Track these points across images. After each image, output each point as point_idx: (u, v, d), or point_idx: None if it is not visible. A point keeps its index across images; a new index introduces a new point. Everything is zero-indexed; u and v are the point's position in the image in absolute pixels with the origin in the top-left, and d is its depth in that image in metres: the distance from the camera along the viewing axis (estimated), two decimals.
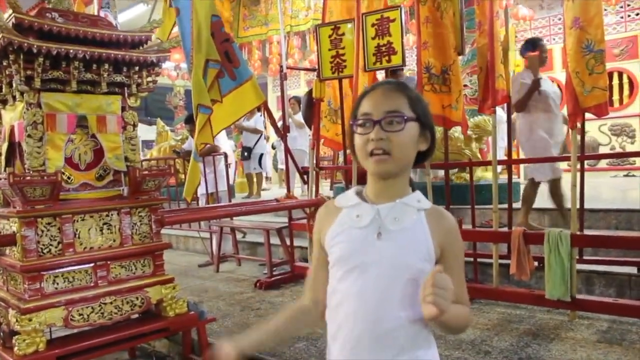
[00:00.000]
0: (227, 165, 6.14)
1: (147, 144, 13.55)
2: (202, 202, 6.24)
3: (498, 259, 3.69)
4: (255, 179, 8.73)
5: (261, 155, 8.56)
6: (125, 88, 2.97)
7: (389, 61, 4.13)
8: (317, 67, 4.62)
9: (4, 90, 2.80)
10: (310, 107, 5.40)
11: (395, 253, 1.21)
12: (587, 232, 3.55)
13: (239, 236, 6.15)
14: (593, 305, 3.25)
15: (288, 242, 5.08)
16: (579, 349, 2.87)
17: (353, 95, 4.45)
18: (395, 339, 1.18)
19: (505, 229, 3.71)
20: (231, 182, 9.49)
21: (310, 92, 5.19)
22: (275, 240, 5.13)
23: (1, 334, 2.71)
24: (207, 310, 4.06)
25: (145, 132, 13.82)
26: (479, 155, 5.43)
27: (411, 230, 1.23)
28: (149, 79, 3.06)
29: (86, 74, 2.77)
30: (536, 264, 3.57)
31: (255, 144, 8.38)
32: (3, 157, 2.93)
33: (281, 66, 4.85)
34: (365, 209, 1.26)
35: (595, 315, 3.32)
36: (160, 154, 8.82)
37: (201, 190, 6.01)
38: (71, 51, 2.64)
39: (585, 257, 3.59)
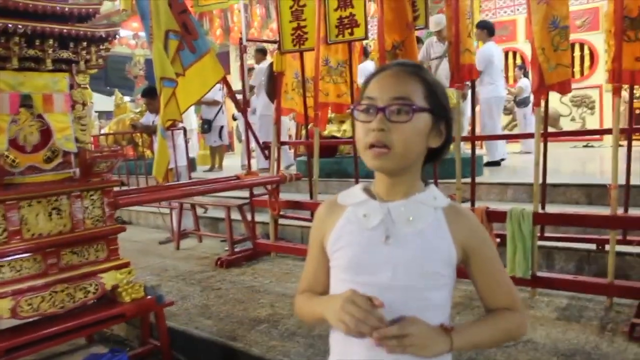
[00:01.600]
0: (186, 140, 5.97)
1: (108, 115, 13.15)
2: None
3: None
4: (216, 152, 8.57)
5: (221, 127, 8.40)
6: (73, 65, 2.80)
7: (351, 34, 4.03)
8: (277, 39, 4.47)
9: None
10: (272, 81, 5.26)
11: (411, 259, 1.08)
12: (548, 207, 3.57)
13: (200, 212, 6.03)
14: (553, 283, 3.29)
15: (250, 218, 5.00)
16: (538, 328, 2.91)
17: (315, 70, 4.34)
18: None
19: (468, 205, 3.71)
20: (193, 155, 9.35)
21: (271, 66, 5.05)
22: (236, 216, 5.04)
23: None
24: (167, 291, 3.99)
25: (104, 103, 13.41)
26: None
27: (429, 232, 1.09)
28: (99, 54, 2.88)
29: (29, 50, 2.59)
30: (498, 240, 3.58)
31: (215, 116, 8.21)
32: None
33: (241, 38, 4.68)
34: (374, 207, 1.12)
35: (555, 292, 3.37)
36: (118, 128, 8.55)
37: None
38: (10, 25, 2.45)
39: (546, 235, 3.62)
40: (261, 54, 8.13)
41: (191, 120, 9.50)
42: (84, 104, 2.86)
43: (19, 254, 2.58)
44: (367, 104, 1.09)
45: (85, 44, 2.76)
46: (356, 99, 1.17)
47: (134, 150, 8.16)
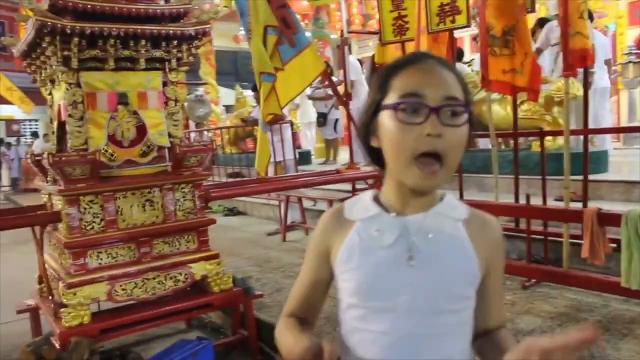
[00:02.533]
0: (293, 134, 6.06)
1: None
2: (270, 171, 6.24)
3: (569, 238, 3.33)
4: (331, 145, 8.63)
5: (336, 120, 8.41)
6: (166, 63, 2.93)
7: (453, 21, 3.79)
8: (379, 30, 4.35)
9: (48, 70, 2.85)
10: (375, 74, 5.15)
11: (434, 283, 0.94)
12: None
13: (309, 204, 6.11)
14: None
15: None
16: None
17: None
18: None
19: (579, 206, 3.33)
20: (310, 147, 9.52)
21: (373, 58, 4.94)
22: None
23: (53, 305, 2.83)
24: (264, 283, 4.08)
25: (232, 97, 14.07)
26: (560, 121, 4.94)
27: (452, 249, 0.96)
28: (190, 52, 2.99)
29: (124, 51, 2.76)
30: (613, 246, 3.18)
31: (330, 109, 8.24)
32: (55, 135, 3.02)
33: (342, 31, 4.62)
34: (389, 223, 0.96)
35: None
36: (238, 121, 8.93)
37: None
38: (105, 29, 2.63)
39: None
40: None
41: (310, 114, 9.68)
42: (176, 101, 3.00)
43: (115, 242, 2.77)
44: (414, 101, 0.90)
45: (176, 42, 2.88)
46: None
47: (254, 143, 8.49)
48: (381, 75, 0.98)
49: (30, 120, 18.67)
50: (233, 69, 19.03)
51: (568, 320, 2.98)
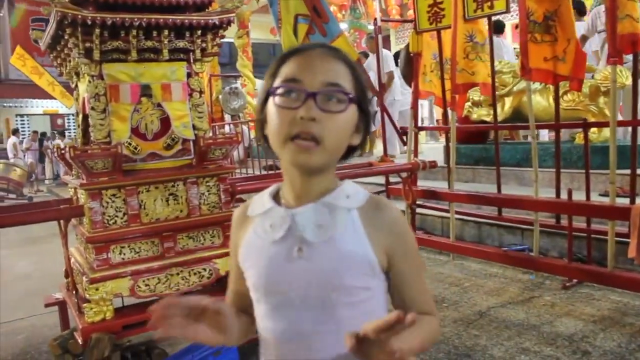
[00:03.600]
0: None
1: None
2: None
3: (614, 236, 3.13)
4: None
5: (375, 112, 8.26)
6: (190, 54, 2.87)
7: (491, 7, 3.62)
8: (414, 18, 4.19)
9: (72, 62, 2.83)
10: (409, 63, 4.98)
11: (324, 274, 0.92)
12: None
13: None
14: None
15: None
16: None
17: (452, 49, 3.98)
18: None
19: (626, 202, 3.12)
20: None
21: (407, 47, 4.78)
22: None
23: (77, 299, 2.82)
24: None
25: None
26: (606, 112, 4.67)
27: (342, 239, 0.93)
28: (214, 42, 2.92)
29: (146, 42, 2.70)
30: None
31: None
32: (80, 128, 3.00)
33: (375, 19, 4.48)
34: (280, 216, 0.97)
35: None
36: None
37: None
38: (127, 20, 2.57)
39: None
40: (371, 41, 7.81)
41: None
42: (200, 92, 2.93)
43: (138, 236, 2.73)
44: (291, 86, 0.92)
45: (199, 32, 2.81)
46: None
47: None
48: (273, 63, 1.00)
49: (74, 115, 19.15)
50: (270, 61, 19.01)
51: (612, 324, 2.80)
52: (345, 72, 0.95)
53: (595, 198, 3.92)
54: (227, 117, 9.22)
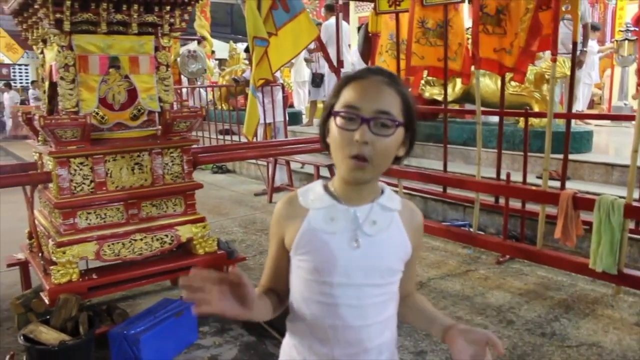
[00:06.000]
0: (285, 96, 6.08)
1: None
2: (259, 132, 6.28)
3: (545, 218, 3.45)
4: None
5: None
6: (158, 28, 2.94)
7: None
8: None
9: (40, 30, 2.85)
10: (367, 42, 5.14)
11: (377, 259, 1.15)
12: None
13: (297, 166, 6.18)
14: None
15: None
16: (611, 331, 2.69)
17: (409, 32, 4.17)
18: (373, 344, 1.17)
19: (558, 186, 3.44)
20: (301, 107, 9.51)
21: (366, 26, 4.93)
22: (327, 174, 5.09)
23: (42, 261, 2.93)
24: (248, 244, 4.20)
25: (227, 51, 13.89)
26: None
27: (389, 233, 1.17)
28: (182, 18, 3.00)
29: (116, 15, 2.76)
30: (587, 227, 3.31)
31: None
32: (46, 95, 3.04)
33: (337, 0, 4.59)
34: (341, 212, 1.15)
35: None
36: (230, 79, 8.88)
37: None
38: None
39: None
40: (329, 10, 7.89)
41: (303, 73, 9.62)
42: (167, 66, 3.02)
43: (104, 203, 2.85)
44: (350, 112, 1.08)
45: (168, 8, 2.89)
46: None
47: (245, 100, 8.46)
48: (338, 84, 1.16)
49: (20, 65, 18.29)
50: (228, 20, 18.74)
51: (536, 297, 3.14)
52: (396, 99, 1.11)
53: (532, 180, 4.25)
54: (184, 80, 9.14)
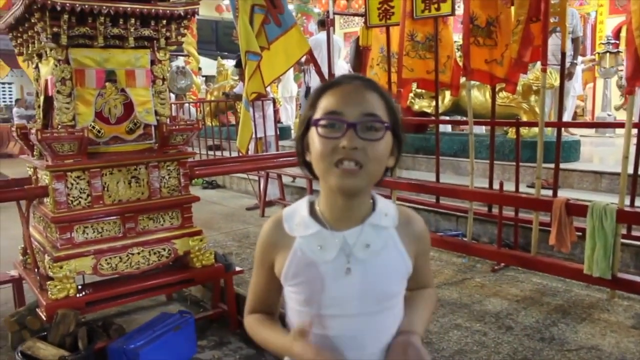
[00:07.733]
0: (275, 110, 6.11)
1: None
2: (251, 147, 6.28)
3: (539, 226, 3.50)
4: None
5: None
6: (154, 42, 2.96)
7: (437, 9, 3.86)
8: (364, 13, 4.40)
9: (36, 45, 2.85)
10: (358, 56, 5.20)
11: (371, 284, 1.06)
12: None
13: (288, 180, 6.19)
14: (636, 286, 3.04)
15: None
16: (608, 334, 2.72)
17: (400, 45, 4.23)
18: None
19: (550, 194, 3.49)
20: (289, 123, 9.54)
21: (357, 40, 4.99)
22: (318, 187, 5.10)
23: (38, 277, 2.89)
24: (243, 258, 4.18)
25: (214, 68, 13.92)
26: (537, 110, 5.08)
27: (385, 254, 1.08)
28: (178, 32, 3.02)
29: (113, 29, 2.77)
30: (580, 234, 3.35)
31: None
32: (41, 109, 3.03)
33: (327, 12, 4.65)
34: (329, 238, 1.06)
35: (637, 296, 3.12)
36: (219, 94, 8.90)
37: None
38: (95, 7, 2.64)
39: (633, 234, 3.34)
40: (320, 25, 7.98)
41: (290, 88, 9.67)
42: (163, 79, 3.03)
43: (101, 217, 2.83)
44: (333, 118, 1.00)
45: (165, 22, 2.91)
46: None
47: (235, 116, 8.47)
48: (312, 95, 1.08)
49: (3, 84, 18.08)
50: (213, 37, 18.79)
51: (532, 303, 3.16)
52: (380, 102, 1.04)
53: (523, 189, 4.30)
54: (172, 97, 9.14)
